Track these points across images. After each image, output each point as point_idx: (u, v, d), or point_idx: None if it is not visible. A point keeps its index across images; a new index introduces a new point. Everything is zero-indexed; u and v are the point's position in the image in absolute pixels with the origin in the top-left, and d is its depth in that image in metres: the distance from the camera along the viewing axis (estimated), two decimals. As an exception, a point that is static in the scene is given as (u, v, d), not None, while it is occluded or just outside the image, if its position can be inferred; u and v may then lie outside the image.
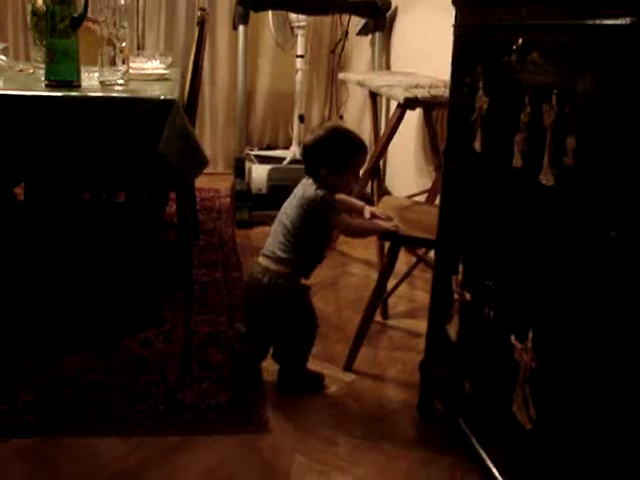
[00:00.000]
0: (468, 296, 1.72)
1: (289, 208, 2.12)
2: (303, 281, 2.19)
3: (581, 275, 1.21)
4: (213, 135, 5.07)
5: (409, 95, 2.51)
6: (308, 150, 2.15)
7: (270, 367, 2.30)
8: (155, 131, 2.15)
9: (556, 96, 1.28)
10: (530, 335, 1.39)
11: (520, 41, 1.44)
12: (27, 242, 2.97)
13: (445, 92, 2.49)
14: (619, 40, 1.10)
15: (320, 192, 2.06)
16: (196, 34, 2.90)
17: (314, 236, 2.14)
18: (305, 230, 2.10)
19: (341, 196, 2.21)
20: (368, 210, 2.27)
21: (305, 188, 2.11)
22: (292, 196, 2.15)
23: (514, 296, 1.48)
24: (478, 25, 1.72)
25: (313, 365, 2.33)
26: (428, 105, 2.72)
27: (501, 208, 1.54)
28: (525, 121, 1.41)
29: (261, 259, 2.14)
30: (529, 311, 1.40)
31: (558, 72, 1.30)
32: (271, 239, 2.15)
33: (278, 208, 2.16)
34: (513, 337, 1.46)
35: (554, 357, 1.31)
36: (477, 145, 1.66)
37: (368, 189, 3.42)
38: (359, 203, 2.32)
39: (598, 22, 1.15)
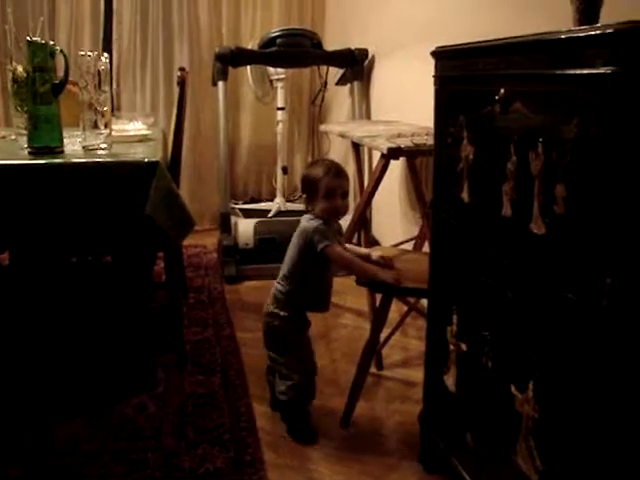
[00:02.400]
0: (464, 347, 1.70)
1: (291, 242, 2.28)
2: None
3: (578, 323, 1.20)
4: (198, 191, 5.06)
5: (392, 145, 2.53)
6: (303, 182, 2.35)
7: (266, 426, 2.27)
8: (140, 194, 2.14)
9: (542, 144, 1.29)
10: (531, 385, 1.37)
11: (502, 91, 1.45)
12: (14, 308, 2.94)
13: (428, 140, 2.51)
14: (601, 88, 1.11)
15: (314, 222, 2.21)
16: (177, 94, 2.91)
17: (309, 266, 2.24)
18: (300, 260, 2.24)
19: (348, 245, 2.38)
20: (375, 255, 2.34)
21: (302, 222, 2.26)
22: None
23: (512, 346, 1.46)
24: (459, 76, 1.73)
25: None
26: (411, 154, 2.73)
27: (493, 257, 1.53)
28: (512, 170, 1.41)
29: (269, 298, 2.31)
30: (528, 361, 1.39)
31: (542, 121, 1.31)
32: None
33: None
34: (513, 387, 1.44)
35: (557, 407, 1.29)
36: (465, 195, 1.66)
37: (355, 239, 3.40)
38: (364, 250, 2.48)
39: (579, 71, 1.16)
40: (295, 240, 2.27)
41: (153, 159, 2.18)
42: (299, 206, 4.83)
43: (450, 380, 1.81)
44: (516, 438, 1.44)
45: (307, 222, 2.23)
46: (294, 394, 2.26)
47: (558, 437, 1.30)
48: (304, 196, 2.34)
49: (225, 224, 4.12)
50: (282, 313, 2.25)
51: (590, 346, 1.18)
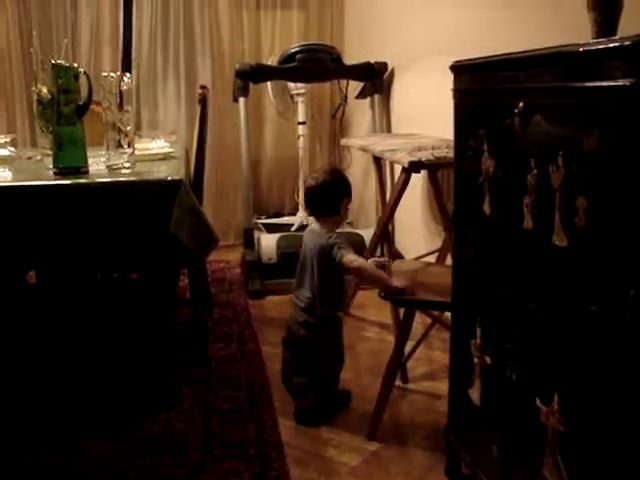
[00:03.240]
0: (488, 360, 1.70)
1: (307, 260, 2.43)
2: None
3: (602, 336, 1.20)
4: (222, 206, 5.08)
5: (413, 159, 2.53)
6: (319, 193, 2.43)
7: (291, 441, 2.28)
8: (164, 212, 2.16)
9: (562, 157, 1.29)
10: (555, 398, 1.36)
11: (521, 104, 1.45)
12: (41, 326, 2.97)
13: (448, 152, 2.51)
14: (620, 100, 1.11)
15: (331, 239, 2.36)
16: (198, 112, 2.94)
17: (330, 277, 2.41)
18: (323, 275, 2.39)
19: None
20: (370, 261, 2.49)
21: (316, 239, 2.40)
22: (306, 246, 2.46)
23: (536, 359, 1.46)
24: (478, 89, 1.74)
25: (334, 435, 2.34)
26: (433, 167, 2.73)
27: (516, 270, 1.53)
28: (533, 183, 1.41)
29: (294, 310, 2.49)
30: (552, 373, 1.38)
31: (562, 133, 1.31)
32: (297, 284, 2.49)
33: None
34: (538, 400, 1.43)
35: (582, 419, 1.29)
36: (486, 208, 1.66)
37: (378, 252, 3.41)
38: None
39: (598, 84, 1.17)
40: (315, 258, 2.39)
41: (176, 177, 2.21)
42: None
43: (475, 393, 1.81)
44: (542, 451, 1.43)
45: (323, 240, 2.37)
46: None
47: (584, 450, 1.29)
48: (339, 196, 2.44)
49: (248, 239, 4.14)
50: (312, 320, 2.43)
51: (614, 359, 1.17)
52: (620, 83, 1.11)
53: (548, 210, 1.35)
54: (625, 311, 1.13)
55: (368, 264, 2.39)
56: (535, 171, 1.40)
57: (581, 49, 1.22)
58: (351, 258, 2.32)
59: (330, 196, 2.42)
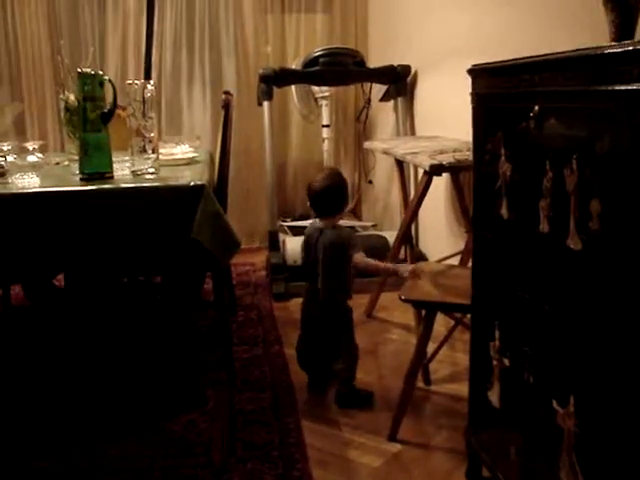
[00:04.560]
0: (507, 362, 1.71)
1: (322, 255, 2.60)
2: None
3: (617, 338, 1.20)
4: (248, 209, 5.11)
5: (434, 162, 2.54)
6: (326, 194, 2.62)
7: (314, 443, 2.30)
8: (187, 216, 2.20)
9: (576, 161, 1.30)
10: (571, 400, 1.37)
11: (536, 108, 1.46)
12: (69, 328, 3.02)
13: (469, 156, 2.51)
14: (633, 104, 1.12)
15: (345, 232, 2.65)
16: (222, 117, 2.98)
17: (342, 269, 2.61)
18: (336, 269, 2.59)
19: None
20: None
21: (327, 234, 2.60)
22: (311, 242, 2.67)
23: (552, 361, 1.47)
24: (495, 93, 1.75)
25: (356, 436, 2.35)
26: (454, 170, 2.74)
27: (532, 273, 1.54)
28: (548, 186, 1.42)
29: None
30: (568, 376, 1.39)
31: (576, 137, 1.32)
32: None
33: None
34: (555, 402, 1.44)
35: (598, 422, 1.29)
36: (504, 211, 1.67)
37: (401, 255, 3.42)
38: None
39: (611, 88, 1.17)
40: (328, 253, 2.58)
41: (199, 183, 2.24)
42: (348, 222, 4.86)
43: (494, 396, 1.82)
44: (559, 453, 1.44)
45: (337, 234, 2.60)
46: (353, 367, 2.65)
47: (600, 452, 1.30)
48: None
49: (273, 242, 4.17)
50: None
51: (629, 362, 1.18)
52: (633, 87, 1.11)
53: (563, 213, 1.35)
54: (639, 315, 1.14)
55: (371, 261, 2.63)
56: (551, 174, 1.41)
57: (594, 53, 1.22)
58: (358, 259, 2.57)
59: (336, 199, 2.63)
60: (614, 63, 1.17)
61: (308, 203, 2.70)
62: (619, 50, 1.15)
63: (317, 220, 2.70)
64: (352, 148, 5.38)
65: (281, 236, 4.26)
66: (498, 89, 1.72)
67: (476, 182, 1.89)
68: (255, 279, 4.30)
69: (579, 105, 1.30)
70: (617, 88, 1.15)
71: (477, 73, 1.83)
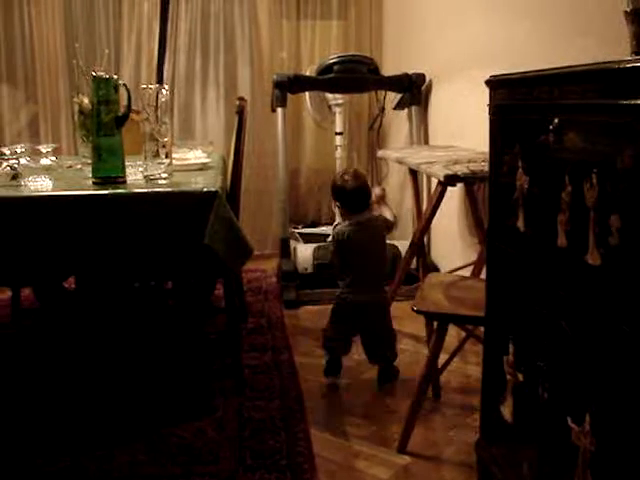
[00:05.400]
0: (521, 377, 1.69)
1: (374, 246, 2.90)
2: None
3: (635, 356, 1.18)
4: (260, 215, 5.11)
5: (449, 172, 2.52)
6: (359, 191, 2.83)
7: (323, 452, 2.28)
8: (200, 222, 2.19)
9: (596, 175, 1.28)
10: (587, 418, 1.35)
11: (556, 121, 1.44)
12: (78, 332, 3.02)
13: (484, 166, 2.50)
14: (654, 119, 1.10)
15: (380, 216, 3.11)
16: (236, 123, 2.97)
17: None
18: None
19: None
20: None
21: (372, 222, 2.88)
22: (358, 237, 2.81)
23: (568, 377, 1.44)
24: (513, 105, 1.73)
25: (365, 447, 2.33)
26: (468, 181, 2.72)
27: (549, 287, 1.52)
28: (567, 200, 1.40)
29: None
30: (584, 393, 1.37)
31: (596, 151, 1.30)
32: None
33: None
34: (570, 420, 1.42)
35: (614, 440, 1.27)
36: (520, 224, 1.65)
37: (413, 265, 3.41)
38: None
39: (632, 102, 1.15)
40: (386, 233, 2.98)
41: (212, 189, 2.23)
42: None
43: (507, 410, 1.80)
44: (573, 471, 1.42)
45: (382, 219, 3.07)
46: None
47: (616, 471, 1.28)
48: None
49: (284, 249, 4.16)
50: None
51: (647, 380, 1.16)
52: (655, 101, 1.10)
53: (582, 228, 1.33)
54: (657, 332, 1.12)
55: None
56: (569, 188, 1.39)
57: (614, 66, 1.21)
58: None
59: (367, 194, 2.86)
60: (634, 77, 1.15)
61: (337, 203, 2.88)
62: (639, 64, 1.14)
63: (343, 220, 2.87)
64: (365, 156, 5.37)
65: (292, 243, 4.25)
66: (517, 101, 1.70)
67: (492, 194, 1.88)
68: (266, 286, 4.29)
69: (599, 119, 1.28)
70: (638, 102, 1.14)
71: (495, 84, 1.82)
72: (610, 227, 1.23)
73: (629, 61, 1.18)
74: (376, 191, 4.45)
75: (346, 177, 2.84)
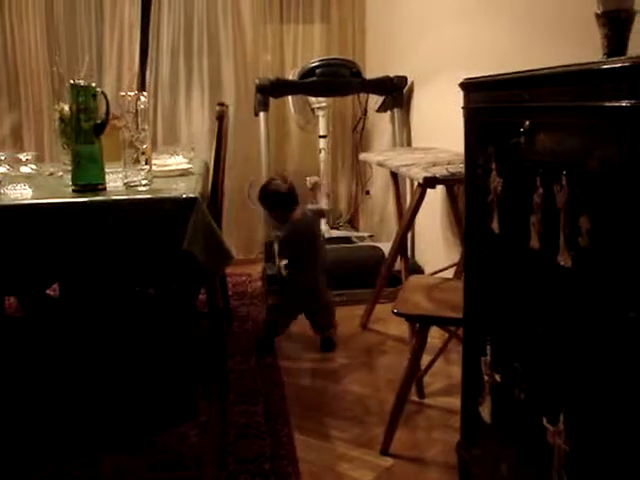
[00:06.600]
0: (498, 378, 1.70)
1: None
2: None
3: (607, 356, 1.19)
4: (246, 219, 5.07)
5: (428, 174, 2.54)
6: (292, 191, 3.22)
7: (307, 457, 2.29)
8: (179, 229, 2.19)
9: (566, 177, 1.29)
10: (561, 418, 1.36)
11: (527, 123, 1.45)
12: (63, 339, 3.01)
13: (463, 168, 2.51)
14: (620, 121, 1.11)
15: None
16: (216, 129, 2.97)
17: None
18: None
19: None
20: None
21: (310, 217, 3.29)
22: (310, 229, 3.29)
23: (542, 378, 1.46)
24: (486, 107, 1.75)
25: (348, 450, 2.34)
26: (447, 183, 2.74)
27: (523, 289, 1.53)
28: (538, 202, 1.42)
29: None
30: (558, 393, 1.38)
31: (566, 153, 1.31)
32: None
33: None
34: (545, 420, 1.43)
35: (588, 440, 1.28)
36: (495, 226, 1.67)
37: (397, 265, 3.42)
38: None
39: (599, 104, 1.17)
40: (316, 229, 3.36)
41: (191, 195, 2.24)
42: (345, 233, 4.86)
43: (485, 411, 1.81)
44: (549, 471, 1.43)
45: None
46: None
47: (590, 471, 1.29)
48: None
49: (269, 253, 4.16)
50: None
51: (619, 380, 1.17)
52: (622, 104, 1.11)
53: (553, 230, 1.35)
54: (624, 332, 1.13)
55: None
56: (541, 190, 1.40)
57: (582, 69, 1.22)
58: None
59: (296, 195, 3.23)
60: (602, 79, 1.16)
61: (272, 214, 3.28)
62: (607, 67, 1.15)
63: (279, 226, 3.26)
64: (349, 159, 5.37)
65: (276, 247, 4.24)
66: (489, 103, 1.72)
67: (468, 196, 1.89)
68: (251, 290, 4.29)
69: (569, 121, 1.30)
70: (606, 104, 1.15)
71: (469, 87, 1.83)
72: (580, 228, 1.24)
73: (595, 64, 1.20)
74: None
75: (276, 182, 3.21)
